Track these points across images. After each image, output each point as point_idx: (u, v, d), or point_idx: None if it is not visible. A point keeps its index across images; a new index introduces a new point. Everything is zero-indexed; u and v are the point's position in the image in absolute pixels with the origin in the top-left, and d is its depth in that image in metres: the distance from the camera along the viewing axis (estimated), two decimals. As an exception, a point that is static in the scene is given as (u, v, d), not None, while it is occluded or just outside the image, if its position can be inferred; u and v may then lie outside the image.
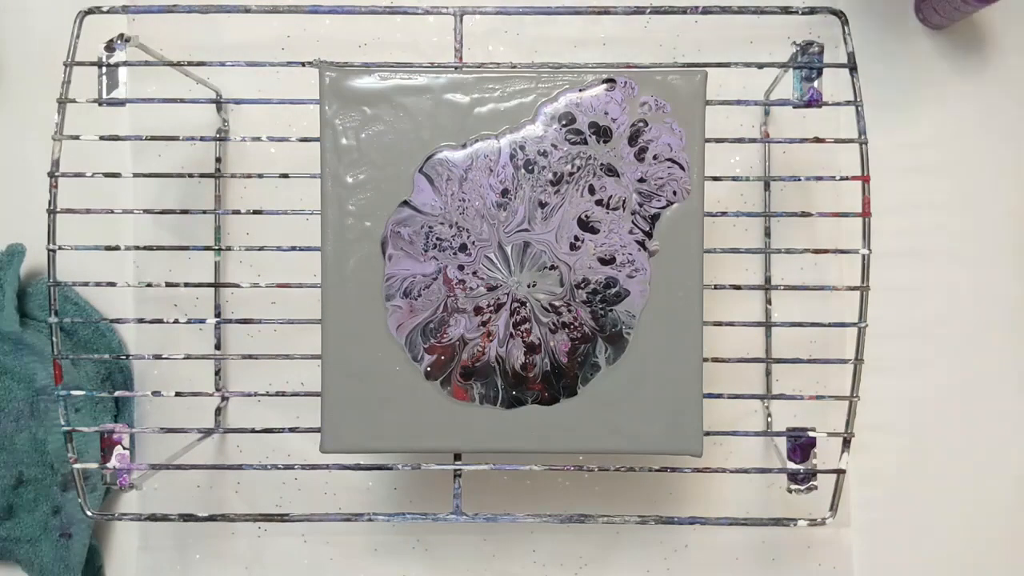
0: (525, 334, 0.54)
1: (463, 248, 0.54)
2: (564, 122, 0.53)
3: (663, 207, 0.53)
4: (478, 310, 0.54)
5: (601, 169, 0.53)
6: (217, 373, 0.73)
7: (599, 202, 0.53)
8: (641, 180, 0.53)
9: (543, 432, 0.54)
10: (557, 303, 0.54)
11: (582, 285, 0.54)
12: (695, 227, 0.53)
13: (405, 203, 0.54)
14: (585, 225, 0.53)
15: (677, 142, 0.53)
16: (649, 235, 0.53)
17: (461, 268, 0.54)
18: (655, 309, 0.54)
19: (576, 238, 0.53)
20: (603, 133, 0.53)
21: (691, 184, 0.53)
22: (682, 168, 0.53)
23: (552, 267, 0.54)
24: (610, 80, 0.53)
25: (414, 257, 0.54)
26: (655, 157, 0.53)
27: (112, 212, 0.60)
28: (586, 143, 0.53)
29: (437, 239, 0.53)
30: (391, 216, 0.53)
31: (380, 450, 0.56)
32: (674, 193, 0.53)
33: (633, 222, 0.53)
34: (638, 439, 0.54)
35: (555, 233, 0.53)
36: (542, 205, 0.53)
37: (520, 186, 0.53)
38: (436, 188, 0.53)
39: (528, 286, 0.54)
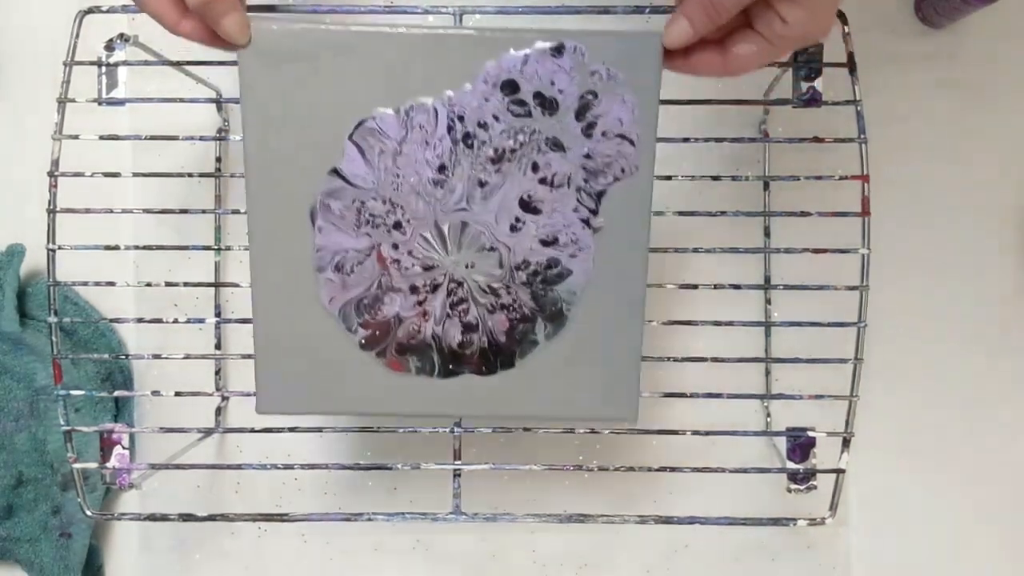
0: (462, 314, 0.52)
1: (397, 226, 0.51)
2: (507, 91, 0.50)
3: (610, 183, 0.51)
4: (414, 289, 0.52)
5: (546, 144, 0.50)
6: (217, 373, 0.73)
7: (542, 180, 0.51)
8: (588, 156, 0.50)
9: (479, 399, 0.54)
10: (496, 285, 0.52)
11: (522, 267, 0.52)
12: (643, 202, 0.51)
13: (335, 172, 0.51)
14: (527, 206, 0.51)
15: (628, 115, 0.50)
16: (594, 212, 0.51)
17: (396, 247, 0.51)
18: (597, 284, 0.52)
19: (517, 219, 0.51)
20: (549, 105, 0.50)
21: (640, 160, 0.50)
22: (632, 144, 0.50)
23: (491, 248, 0.52)
24: (559, 46, 0.49)
25: (345, 232, 0.51)
26: (604, 134, 0.50)
27: (112, 212, 0.60)
28: (530, 115, 0.50)
29: (370, 215, 0.51)
30: (320, 185, 0.51)
31: (315, 412, 0.55)
32: (622, 170, 0.51)
33: (578, 199, 0.51)
34: (574, 406, 0.54)
35: (495, 214, 0.51)
36: (481, 184, 0.51)
37: (458, 162, 0.50)
38: (368, 161, 0.50)
39: (466, 266, 0.52)
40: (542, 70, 0.49)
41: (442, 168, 0.50)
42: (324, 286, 0.52)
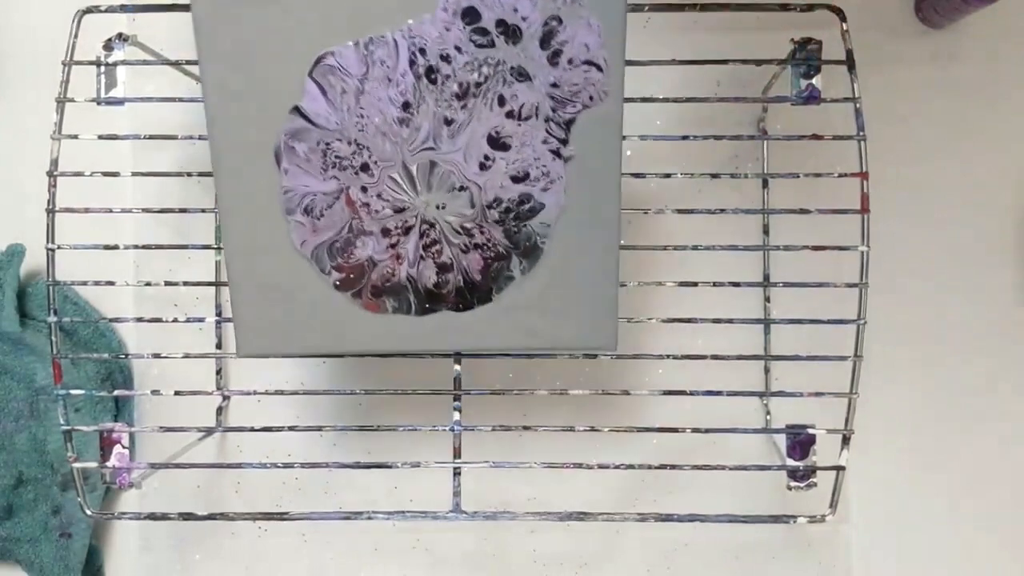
0: (436, 255, 0.52)
1: (365, 168, 0.50)
2: (468, 19, 0.48)
3: (578, 111, 0.50)
4: (386, 232, 0.51)
5: (511, 74, 0.49)
6: (218, 372, 0.73)
7: (510, 114, 0.49)
8: (554, 85, 0.49)
9: (458, 334, 0.54)
10: (468, 225, 0.51)
11: (494, 205, 0.51)
12: (613, 128, 0.50)
13: (297, 110, 0.49)
14: (496, 142, 0.50)
15: (595, 39, 0.48)
16: (564, 142, 0.50)
17: (364, 190, 0.51)
18: (570, 214, 0.51)
19: (486, 157, 0.50)
20: (512, 33, 0.48)
21: (609, 85, 0.49)
22: (600, 69, 0.49)
23: (462, 188, 0.51)
24: None
25: (312, 175, 0.50)
26: (570, 61, 0.49)
27: (111, 211, 0.60)
28: (493, 45, 0.48)
29: (336, 157, 0.50)
30: (282, 125, 0.50)
31: (295, 354, 0.55)
32: (591, 98, 0.49)
33: (547, 130, 0.50)
34: (553, 338, 0.54)
35: (463, 152, 0.50)
36: (448, 122, 0.49)
37: (423, 99, 0.49)
38: (330, 101, 0.49)
39: (437, 207, 0.51)
40: None
41: (406, 106, 0.49)
42: (295, 229, 0.52)
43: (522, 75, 0.49)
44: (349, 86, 0.49)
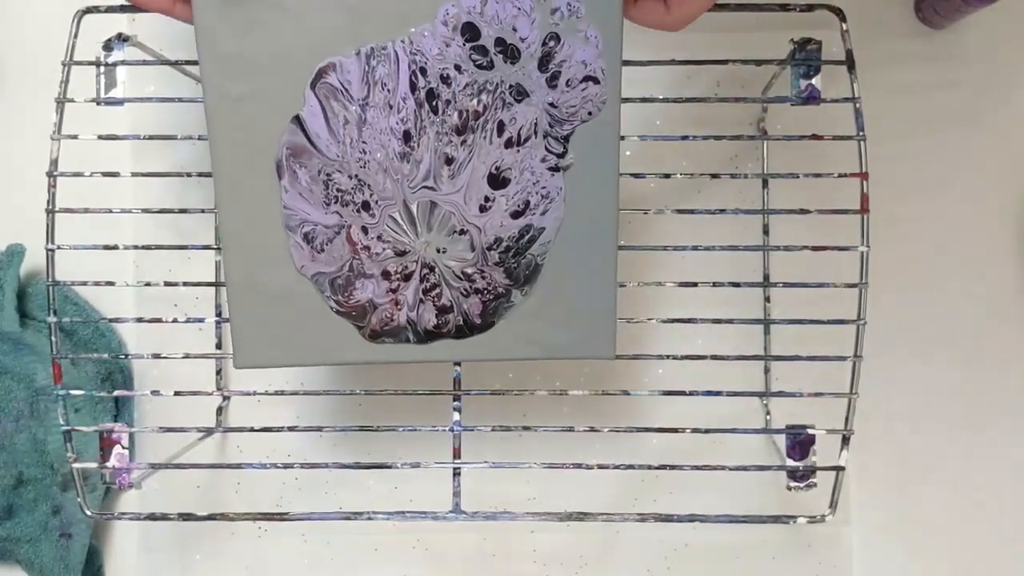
0: (436, 298, 0.52)
1: (366, 206, 0.50)
2: (467, 35, 0.48)
3: (576, 126, 0.50)
4: (386, 274, 0.52)
5: (510, 93, 0.49)
6: (218, 373, 0.73)
7: (509, 142, 0.49)
8: (552, 105, 0.49)
9: (456, 351, 0.54)
10: (469, 270, 0.52)
11: (494, 246, 0.51)
12: (611, 133, 0.50)
13: (297, 121, 0.49)
14: (495, 180, 0.50)
15: (592, 52, 0.49)
16: (562, 155, 0.50)
17: (365, 231, 0.51)
18: (569, 224, 0.51)
19: (486, 198, 0.50)
20: (511, 54, 0.48)
21: (607, 94, 0.49)
22: (597, 82, 0.49)
23: (462, 231, 0.51)
24: None
25: (314, 205, 0.51)
26: (568, 83, 0.49)
27: (111, 212, 0.60)
28: (492, 66, 0.48)
29: (338, 191, 0.50)
30: (283, 135, 0.50)
31: (294, 364, 0.55)
32: (589, 113, 0.50)
33: (546, 147, 0.50)
34: (551, 347, 0.54)
35: (463, 194, 0.50)
36: (448, 162, 0.50)
37: (424, 131, 0.49)
38: (333, 130, 0.49)
39: (438, 251, 0.51)
40: (503, 12, 0.48)
41: (407, 136, 0.49)
42: (294, 248, 0.52)
43: (521, 93, 0.49)
44: (351, 115, 0.49)
